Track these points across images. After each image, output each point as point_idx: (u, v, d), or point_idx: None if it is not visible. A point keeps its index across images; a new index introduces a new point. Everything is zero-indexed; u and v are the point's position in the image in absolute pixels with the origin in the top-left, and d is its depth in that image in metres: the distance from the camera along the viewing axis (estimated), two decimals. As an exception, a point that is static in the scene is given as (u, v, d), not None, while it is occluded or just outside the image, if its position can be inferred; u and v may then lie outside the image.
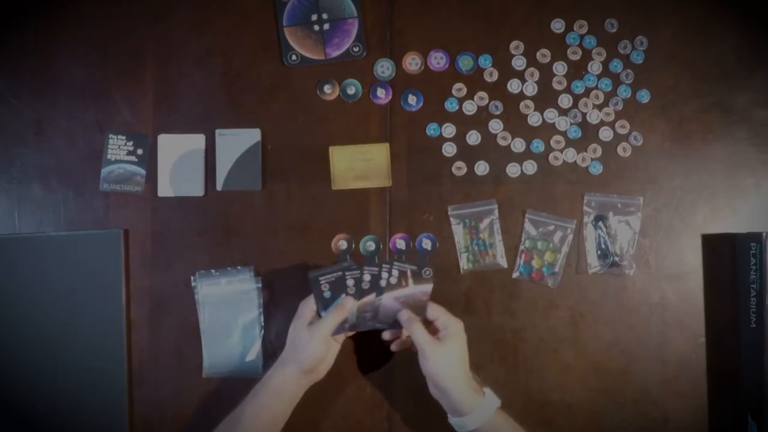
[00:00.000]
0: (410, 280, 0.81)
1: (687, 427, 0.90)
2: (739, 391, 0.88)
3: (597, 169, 0.92)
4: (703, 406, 0.90)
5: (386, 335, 0.85)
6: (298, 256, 0.91)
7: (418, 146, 0.92)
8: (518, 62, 0.93)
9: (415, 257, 0.90)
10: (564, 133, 0.92)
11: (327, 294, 0.81)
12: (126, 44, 0.93)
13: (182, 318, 0.91)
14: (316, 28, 0.93)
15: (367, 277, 0.81)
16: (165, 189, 0.92)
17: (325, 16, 0.93)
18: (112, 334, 0.89)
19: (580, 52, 0.93)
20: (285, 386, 0.80)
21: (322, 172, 0.92)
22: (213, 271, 0.91)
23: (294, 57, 0.93)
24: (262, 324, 0.90)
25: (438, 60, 0.93)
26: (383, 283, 0.81)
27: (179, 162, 0.92)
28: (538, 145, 0.92)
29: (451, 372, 0.78)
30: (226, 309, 0.90)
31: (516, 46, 0.93)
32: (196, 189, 0.92)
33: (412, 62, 0.93)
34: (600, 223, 0.91)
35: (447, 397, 0.78)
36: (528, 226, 0.91)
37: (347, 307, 0.81)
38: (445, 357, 0.78)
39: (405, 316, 0.81)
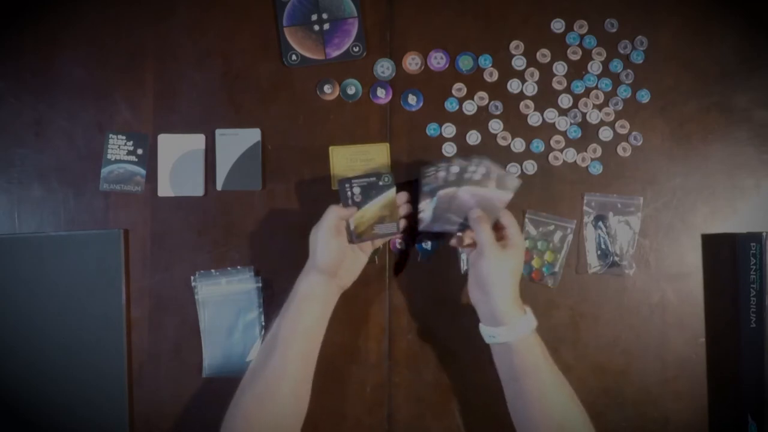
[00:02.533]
0: (493, 183, 0.82)
1: (687, 427, 0.90)
2: (739, 391, 0.88)
3: (597, 169, 0.92)
4: (703, 406, 0.90)
5: (453, 242, 0.85)
6: (298, 256, 0.91)
7: (418, 146, 0.92)
8: (518, 62, 0.93)
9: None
10: (564, 133, 0.92)
11: (357, 198, 0.83)
12: (126, 44, 0.93)
13: (182, 318, 0.91)
14: (316, 28, 0.93)
15: (455, 169, 0.82)
16: (165, 189, 0.92)
17: (325, 16, 0.93)
18: (112, 334, 0.89)
19: (580, 52, 0.93)
20: (313, 289, 0.81)
21: (322, 172, 0.92)
22: (213, 271, 0.91)
23: (294, 57, 0.93)
24: (262, 324, 0.90)
25: (438, 60, 0.93)
26: (467, 176, 0.82)
27: (179, 162, 0.92)
28: (538, 145, 0.92)
29: (504, 279, 0.78)
30: (226, 309, 0.90)
31: (516, 46, 0.93)
32: (196, 189, 0.92)
33: (412, 62, 0.93)
34: (600, 223, 0.91)
35: (490, 302, 0.78)
36: (528, 226, 0.91)
37: (350, 211, 0.83)
38: (503, 262, 0.78)
39: (476, 213, 0.81)
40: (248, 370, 0.80)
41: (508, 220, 0.82)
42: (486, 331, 0.79)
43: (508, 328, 0.76)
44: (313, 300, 0.81)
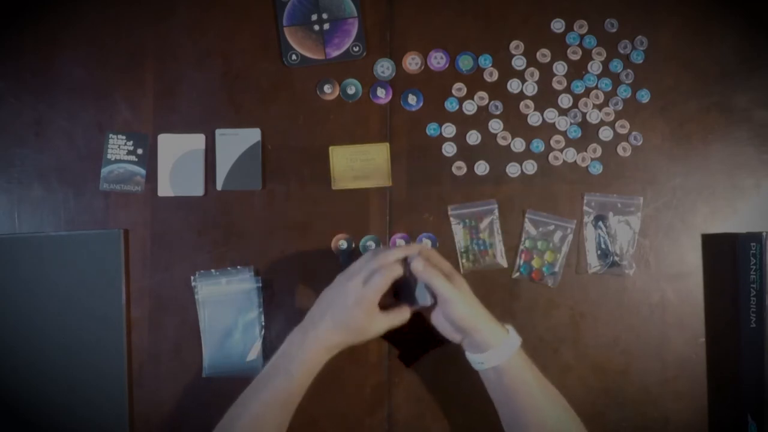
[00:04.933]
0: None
1: (687, 427, 0.90)
2: (739, 391, 0.88)
3: (597, 169, 0.92)
4: (703, 406, 0.90)
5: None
6: (298, 256, 0.91)
7: (418, 146, 0.92)
8: (518, 62, 0.93)
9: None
10: (564, 133, 0.93)
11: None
12: (126, 44, 0.93)
13: (182, 318, 0.91)
14: (316, 28, 0.93)
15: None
16: (165, 189, 0.92)
17: (325, 16, 0.93)
18: (112, 334, 0.89)
19: (580, 52, 0.93)
20: (323, 356, 0.78)
21: (322, 172, 0.92)
22: (213, 271, 0.91)
23: (294, 57, 0.93)
24: (262, 324, 0.90)
25: (438, 60, 0.93)
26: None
27: (179, 162, 0.92)
28: (538, 145, 0.92)
29: (474, 309, 0.77)
30: (226, 309, 0.90)
31: (516, 46, 0.93)
32: (196, 189, 0.92)
33: (412, 62, 0.93)
34: (600, 223, 0.91)
35: (475, 335, 0.76)
36: (528, 226, 0.91)
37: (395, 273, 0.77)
38: (464, 296, 0.77)
39: (421, 264, 0.76)
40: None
41: (435, 255, 0.81)
42: (474, 359, 0.78)
43: (495, 350, 0.76)
44: (317, 365, 0.79)
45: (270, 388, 0.78)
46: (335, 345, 0.79)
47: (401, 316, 0.80)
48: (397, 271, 0.77)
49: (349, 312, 0.77)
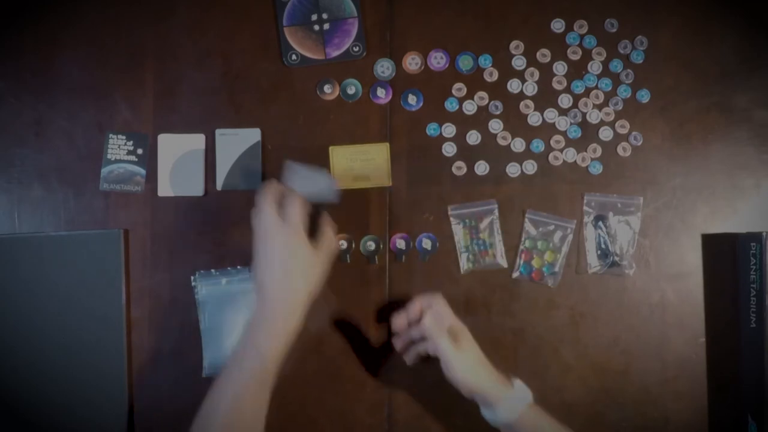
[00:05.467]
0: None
1: (687, 427, 0.90)
2: (739, 391, 0.88)
3: (597, 169, 0.92)
4: (703, 406, 0.90)
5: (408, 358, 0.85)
6: (298, 256, 0.91)
7: (418, 146, 0.92)
8: (518, 62, 0.93)
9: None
10: (564, 133, 0.93)
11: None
12: (126, 44, 0.93)
13: (182, 318, 0.91)
14: (316, 28, 0.93)
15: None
16: (165, 189, 0.92)
17: (325, 16, 0.93)
18: (112, 334, 0.89)
19: (580, 52, 0.93)
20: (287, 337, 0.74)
21: (322, 172, 0.92)
22: (213, 271, 0.91)
23: (294, 57, 0.93)
24: (262, 324, 0.90)
25: (438, 60, 0.93)
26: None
27: (179, 162, 0.92)
28: (538, 145, 0.92)
29: (476, 372, 0.79)
30: (226, 309, 0.90)
31: (516, 46, 0.93)
32: (196, 189, 0.92)
33: (412, 62, 0.93)
34: (600, 223, 0.91)
35: (480, 395, 0.79)
36: (528, 226, 0.91)
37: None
38: (468, 361, 0.79)
39: (430, 320, 0.79)
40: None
41: (442, 308, 0.82)
42: (485, 414, 0.80)
43: (504, 406, 0.77)
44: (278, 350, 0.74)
45: (245, 369, 0.74)
46: (301, 302, 0.75)
47: (329, 239, 0.79)
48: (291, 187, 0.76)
49: (297, 254, 0.74)
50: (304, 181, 0.80)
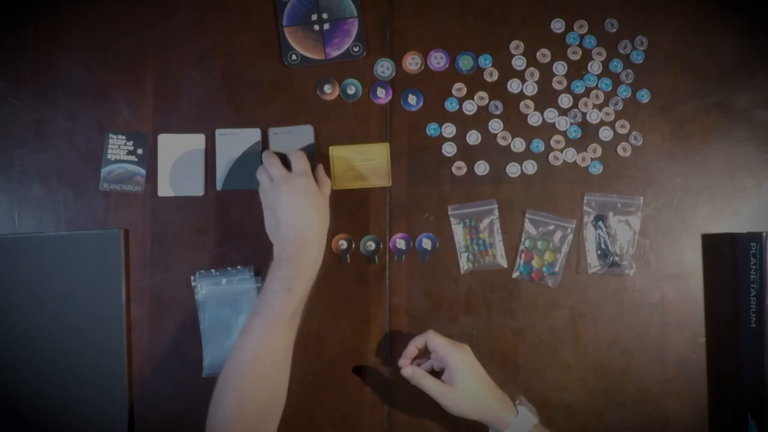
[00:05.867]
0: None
1: (687, 427, 0.90)
2: (739, 391, 0.88)
3: (597, 169, 0.92)
4: (703, 406, 0.90)
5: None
6: (298, 256, 0.91)
7: (418, 146, 0.92)
8: (518, 62, 0.93)
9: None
10: (564, 133, 0.92)
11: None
12: (126, 44, 0.93)
13: (182, 318, 0.91)
14: (316, 28, 0.93)
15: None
16: (165, 189, 0.92)
17: (325, 16, 0.93)
18: (112, 334, 0.89)
19: (580, 52, 0.93)
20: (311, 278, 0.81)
21: (322, 172, 0.92)
22: (213, 271, 0.91)
23: (294, 57, 0.93)
24: (262, 324, 0.90)
25: (438, 60, 0.93)
26: None
27: (179, 162, 0.92)
28: (538, 145, 0.92)
29: (476, 404, 0.80)
30: (226, 309, 0.90)
31: (516, 46, 0.93)
32: (196, 189, 0.92)
33: (412, 62, 0.93)
34: (600, 223, 0.91)
35: (483, 421, 0.80)
36: (528, 226, 0.91)
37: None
38: (463, 395, 0.80)
39: (409, 371, 0.82)
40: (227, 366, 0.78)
41: (435, 344, 0.83)
42: None
43: (511, 429, 0.78)
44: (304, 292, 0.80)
45: (275, 306, 0.78)
46: (323, 236, 0.83)
47: (326, 181, 0.87)
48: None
49: (315, 197, 0.83)
50: (288, 138, 0.91)
